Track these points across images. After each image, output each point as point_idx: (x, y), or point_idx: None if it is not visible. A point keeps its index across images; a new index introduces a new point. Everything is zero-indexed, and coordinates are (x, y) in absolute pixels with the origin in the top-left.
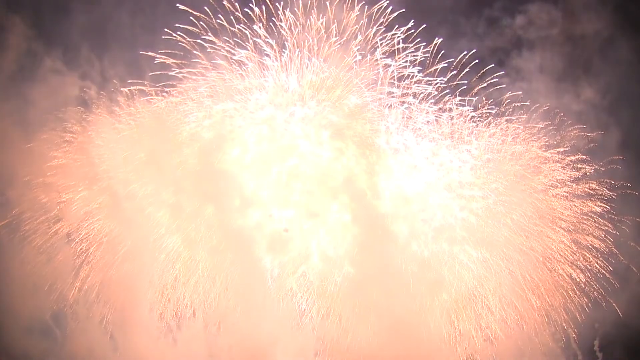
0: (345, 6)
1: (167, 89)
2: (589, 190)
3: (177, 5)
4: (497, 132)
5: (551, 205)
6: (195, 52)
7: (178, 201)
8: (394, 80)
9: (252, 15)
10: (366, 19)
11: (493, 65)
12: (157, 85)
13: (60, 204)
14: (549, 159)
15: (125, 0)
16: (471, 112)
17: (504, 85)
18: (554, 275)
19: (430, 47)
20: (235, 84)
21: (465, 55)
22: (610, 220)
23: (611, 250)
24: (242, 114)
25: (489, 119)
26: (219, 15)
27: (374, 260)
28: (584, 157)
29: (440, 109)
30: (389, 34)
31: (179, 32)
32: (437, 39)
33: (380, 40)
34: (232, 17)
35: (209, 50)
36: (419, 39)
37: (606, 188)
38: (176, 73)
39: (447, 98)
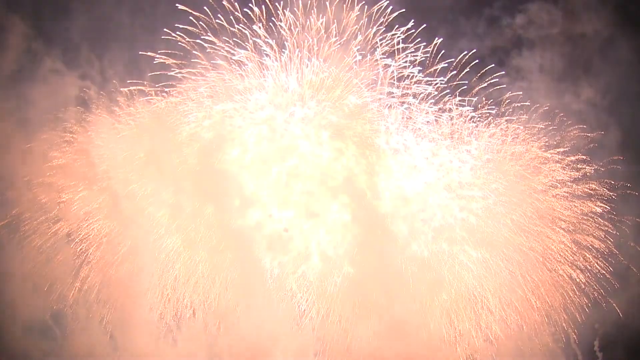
0: (345, 6)
1: (166, 89)
2: (589, 191)
3: (177, 5)
4: (497, 132)
5: (551, 205)
6: (194, 52)
7: (178, 201)
8: (394, 80)
9: (251, 15)
10: (366, 19)
11: (493, 65)
12: (157, 85)
13: (60, 204)
14: (549, 159)
15: (125, 1)
16: (471, 112)
17: (504, 85)
18: (554, 276)
19: (430, 47)
20: (235, 84)
21: (465, 55)
22: (611, 221)
23: (611, 251)
24: (241, 114)
25: (489, 119)
26: (219, 15)
27: (373, 261)
28: (584, 157)
29: (440, 109)
30: (389, 34)
31: (178, 32)
32: (437, 39)
33: (380, 40)
34: (231, 17)
35: (208, 50)
36: (419, 39)
37: (606, 188)
38: (176, 73)
39: (447, 98)
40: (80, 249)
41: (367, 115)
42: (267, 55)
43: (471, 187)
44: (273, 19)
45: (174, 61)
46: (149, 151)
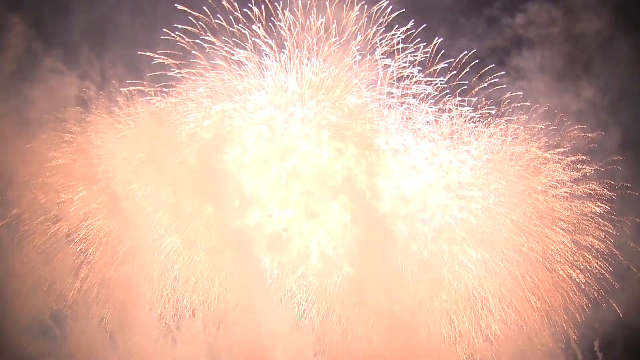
0: (344, 6)
1: (166, 89)
2: (589, 191)
3: (176, 5)
4: (497, 132)
5: (551, 205)
6: (194, 52)
7: (177, 201)
8: (394, 80)
9: (251, 15)
10: (366, 19)
11: (493, 65)
12: (156, 85)
13: (59, 204)
14: (548, 160)
15: (124, 1)
16: (471, 112)
17: (504, 85)
18: (554, 276)
19: (430, 47)
20: (235, 84)
21: (465, 55)
22: (611, 221)
23: (611, 251)
24: (241, 114)
25: (489, 119)
26: (218, 16)
27: (373, 261)
28: (584, 157)
29: (440, 109)
30: (389, 34)
31: (177, 32)
32: (437, 39)
33: (380, 40)
34: (231, 17)
35: (208, 50)
36: (419, 39)
37: (606, 188)
38: (175, 73)
39: (446, 98)
40: (80, 249)
41: (367, 116)
42: (266, 55)
43: (471, 188)
44: (272, 19)
45: (174, 61)
46: (148, 151)
